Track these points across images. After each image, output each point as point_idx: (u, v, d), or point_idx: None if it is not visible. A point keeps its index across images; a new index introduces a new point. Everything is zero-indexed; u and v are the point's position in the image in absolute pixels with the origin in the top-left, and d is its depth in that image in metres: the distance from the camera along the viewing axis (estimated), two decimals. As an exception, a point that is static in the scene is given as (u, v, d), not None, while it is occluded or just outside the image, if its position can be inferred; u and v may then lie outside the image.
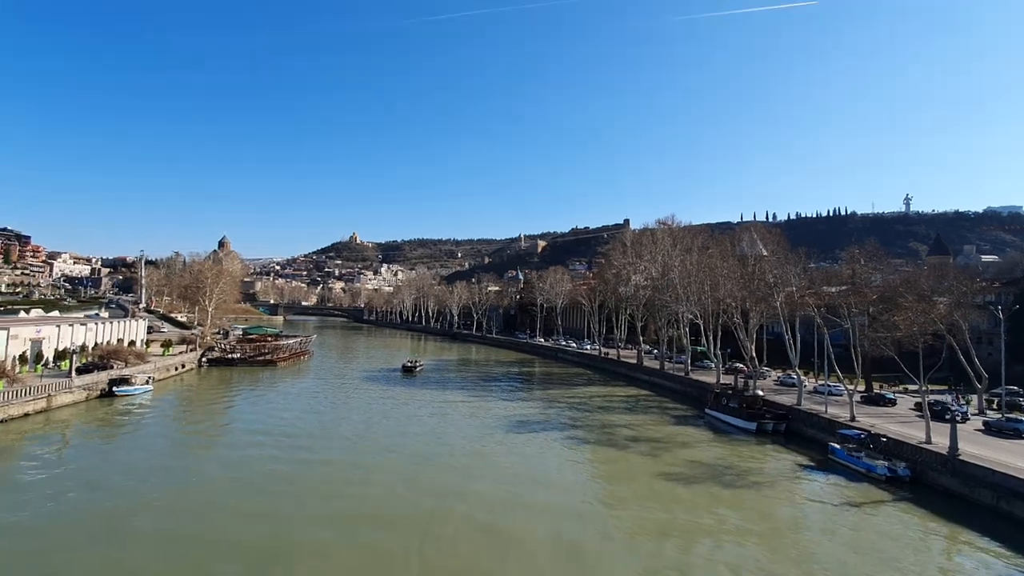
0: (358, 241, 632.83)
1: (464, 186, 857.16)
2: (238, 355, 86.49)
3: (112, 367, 60.37)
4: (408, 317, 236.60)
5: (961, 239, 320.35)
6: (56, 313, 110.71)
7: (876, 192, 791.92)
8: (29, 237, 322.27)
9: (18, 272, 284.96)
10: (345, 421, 50.12)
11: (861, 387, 59.17)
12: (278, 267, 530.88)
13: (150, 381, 60.65)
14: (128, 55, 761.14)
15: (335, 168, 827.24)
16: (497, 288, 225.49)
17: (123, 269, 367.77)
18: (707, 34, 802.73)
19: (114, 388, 55.00)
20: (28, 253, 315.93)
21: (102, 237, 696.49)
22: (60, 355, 61.88)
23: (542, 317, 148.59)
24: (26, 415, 44.50)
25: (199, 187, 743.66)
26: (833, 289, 66.93)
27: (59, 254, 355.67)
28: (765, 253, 71.52)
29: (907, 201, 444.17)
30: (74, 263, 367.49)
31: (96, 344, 70.43)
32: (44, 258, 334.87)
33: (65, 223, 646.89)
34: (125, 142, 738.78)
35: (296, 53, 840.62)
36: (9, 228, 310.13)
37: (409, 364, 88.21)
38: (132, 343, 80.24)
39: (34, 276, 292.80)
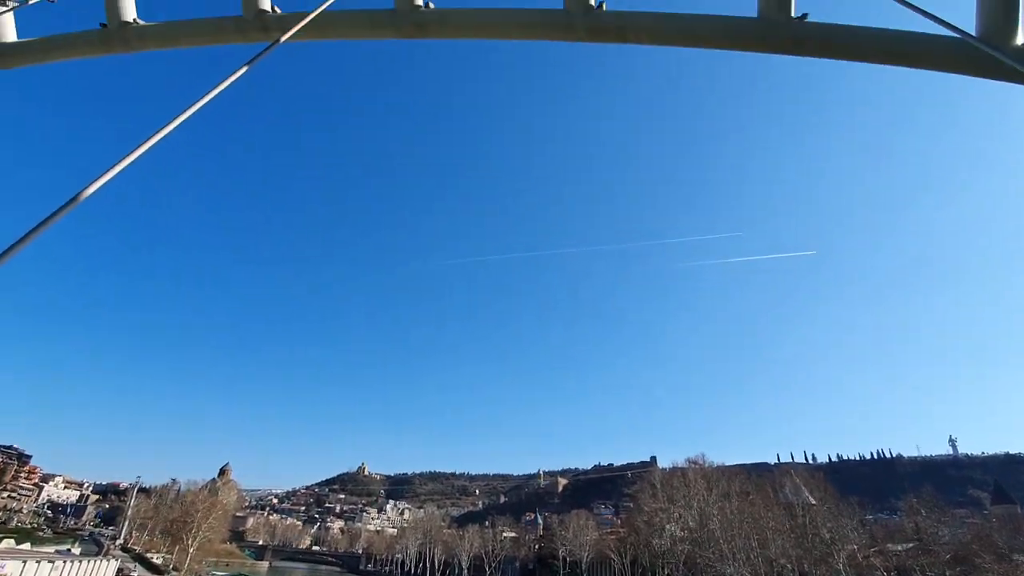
0: (366, 473, 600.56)
1: (482, 427, 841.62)
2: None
3: (66, 621, 51.94)
4: (411, 568, 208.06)
5: (1019, 483, 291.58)
6: (27, 546, 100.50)
7: (918, 433, 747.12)
8: (30, 456, 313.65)
9: (4, 496, 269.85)
10: None
11: None
12: (276, 500, 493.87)
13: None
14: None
15: (351, 406, 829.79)
16: (514, 534, 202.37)
17: (113, 496, 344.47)
18: (719, 282, 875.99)
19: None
20: (23, 475, 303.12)
21: (102, 459, 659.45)
22: (14, 601, 53.84)
23: (565, 574, 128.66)
24: None
25: (207, 413, 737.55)
26: (900, 547, 58.85)
27: (52, 477, 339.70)
28: (813, 501, 65.06)
29: (953, 443, 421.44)
30: (64, 487, 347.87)
31: (58, 588, 61.83)
32: (37, 480, 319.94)
33: (67, 443, 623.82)
34: (134, 365, 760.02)
35: (322, 290, 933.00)
36: (15, 447, 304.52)
37: None
38: (97, 589, 70.44)
39: (20, 500, 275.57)
